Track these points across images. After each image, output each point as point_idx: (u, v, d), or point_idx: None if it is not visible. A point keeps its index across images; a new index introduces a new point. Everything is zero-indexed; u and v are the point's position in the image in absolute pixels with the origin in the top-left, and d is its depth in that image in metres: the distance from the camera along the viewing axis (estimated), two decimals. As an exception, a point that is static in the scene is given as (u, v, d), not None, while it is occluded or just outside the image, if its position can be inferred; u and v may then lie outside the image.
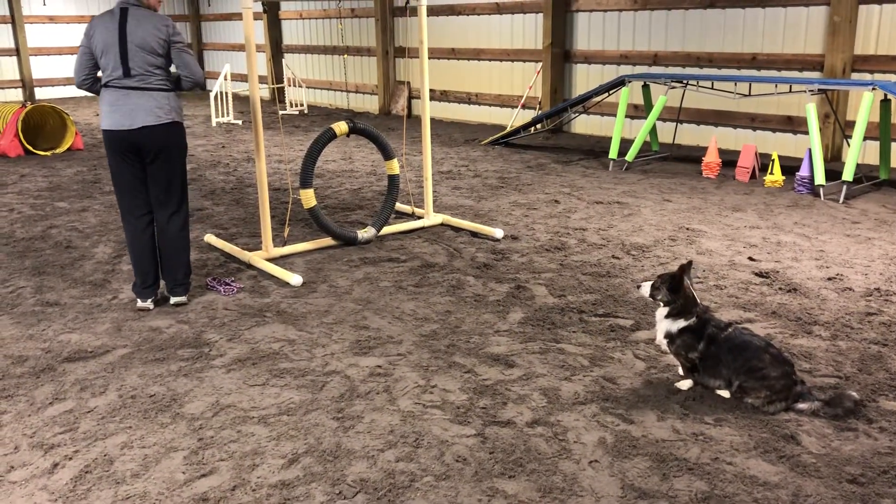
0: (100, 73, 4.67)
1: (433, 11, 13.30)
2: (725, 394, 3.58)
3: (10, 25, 17.02)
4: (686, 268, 3.63)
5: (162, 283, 5.03)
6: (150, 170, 4.73)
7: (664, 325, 3.68)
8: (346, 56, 15.56)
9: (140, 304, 4.87)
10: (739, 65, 9.83)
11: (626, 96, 9.13)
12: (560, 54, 11.68)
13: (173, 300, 4.93)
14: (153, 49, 4.53)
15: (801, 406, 3.44)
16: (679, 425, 3.37)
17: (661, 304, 3.69)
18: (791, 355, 3.94)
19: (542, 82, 11.81)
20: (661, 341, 3.72)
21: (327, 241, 6.12)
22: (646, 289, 3.74)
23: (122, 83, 4.55)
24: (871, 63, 8.71)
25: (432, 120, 12.74)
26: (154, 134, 4.62)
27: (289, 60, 16.13)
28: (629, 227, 6.53)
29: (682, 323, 3.62)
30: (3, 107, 10.74)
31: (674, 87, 8.98)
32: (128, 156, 4.67)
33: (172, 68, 4.72)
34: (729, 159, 8.88)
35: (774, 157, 8.12)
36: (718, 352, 3.57)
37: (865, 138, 7.81)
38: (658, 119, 9.39)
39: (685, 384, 3.69)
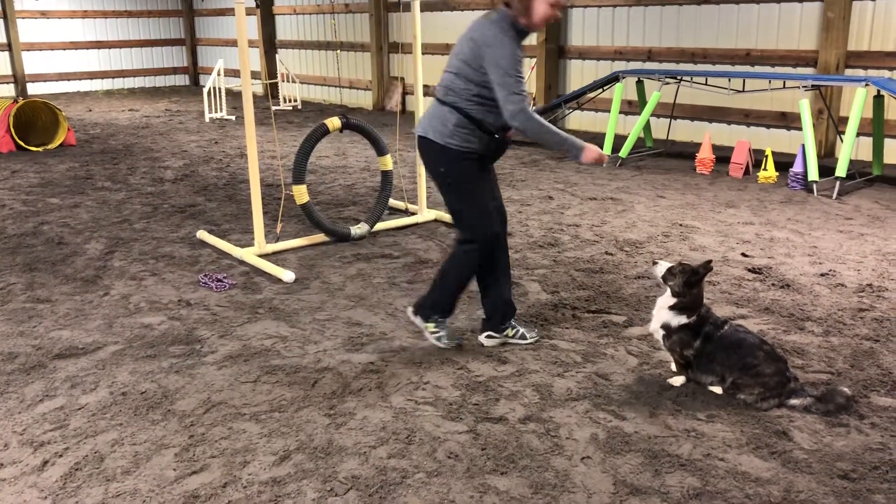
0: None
1: (427, 7, 13.27)
2: (718, 390, 3.58)
3: (2, 20, 16.91)
4: (708, 268, 3.62)
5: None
6: None
7: (664, 314, 3.65)
8: (339, 52, 15.52)
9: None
10: (733, 61, 9.83)
11: (620, 92, 9.12)
12: (554, 50, 11.66)
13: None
14: None
15: (794, 402, 3.44)
16: (671, 421, 3.37)
17: (670, 291, 3.65)
18: (783, 351, 3.94)
19: (537, 78, 11.79)
20: (657, 330, 3.69)
21: (320, 237, 6.10)
22: (661, 269, 3.66)
23: None
24: (864, 59, 8.72)
25: (426, 116, 12.70)
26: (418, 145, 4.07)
27: (282, 56, 16.07)
28: (622, 224, 6.53)
29: (683, 319, 3.60)
30: (-6, 102, 10.69)
31: (668, 83, 8.98)
32: None
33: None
34: (723, 155, 8.88)
35: (768, 153, 8.13)
36: (714, 349, 3.56)
37: (858, 134, 7.81)
38: (652, 115, 9.39)
39: (678, 380, 3.69)
